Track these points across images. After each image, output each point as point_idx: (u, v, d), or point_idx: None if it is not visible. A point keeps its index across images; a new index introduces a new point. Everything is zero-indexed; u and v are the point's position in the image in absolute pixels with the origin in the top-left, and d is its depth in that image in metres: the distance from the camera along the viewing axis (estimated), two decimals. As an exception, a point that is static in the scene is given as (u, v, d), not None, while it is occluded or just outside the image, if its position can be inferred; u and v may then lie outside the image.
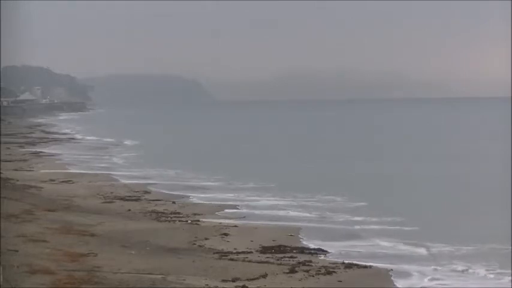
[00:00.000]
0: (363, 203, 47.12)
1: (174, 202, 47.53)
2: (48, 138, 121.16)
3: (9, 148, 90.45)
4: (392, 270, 29.46)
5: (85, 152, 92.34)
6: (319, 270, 28.46)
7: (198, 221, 40.44)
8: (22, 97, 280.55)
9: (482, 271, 29.49)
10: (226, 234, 36.29)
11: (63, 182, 57.57)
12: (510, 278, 28.59)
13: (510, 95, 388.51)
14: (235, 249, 32.68)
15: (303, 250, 32.96)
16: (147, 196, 50.55)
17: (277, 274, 27.70)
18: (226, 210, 44.83)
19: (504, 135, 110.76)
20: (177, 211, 43.70)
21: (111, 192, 51.69)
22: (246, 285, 25.77)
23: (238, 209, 45.75)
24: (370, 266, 29.94)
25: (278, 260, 30.64)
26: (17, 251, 27.64)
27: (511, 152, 77.94)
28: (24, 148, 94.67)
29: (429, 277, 28.68)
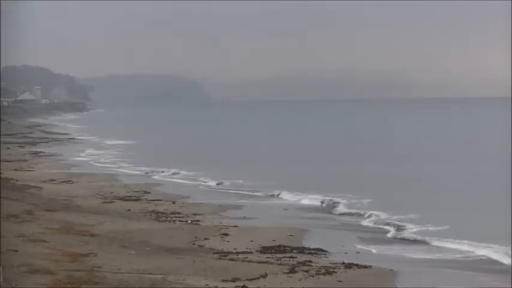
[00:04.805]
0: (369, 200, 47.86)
1: (174, 202, 47.50)
2: (48, 138, 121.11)
3: (9, 148, 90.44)
4: (392, 270, 29.44)
5: (85, 152, 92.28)
6: (319, 270, 28.41)
7: (198, 221, 40.42)
8: (22, 97, 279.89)
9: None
10: (226, 234, 36.24)
11: (63, 182, 57.54)
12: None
13: (510, 95, 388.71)
14: (235, 249, 32.65)
15: (303, 250, 32.94)
16: (147, 196, 50.52)
17: (277, 274, 27.66)
18: (228, 211, 44.80)
19: (504, 135, 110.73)
20: (177, 211, 43.69)
21: (111, 192, 51.65)
22: (246, 285, 25.75)
23: (241, 209, 45.73)
24: (370, 266, 29.90)
25: (278, 260, 30.63)
26: (17, 251, 27.62)
27: (511, 152, 77.89)
28: (24, 148, 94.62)
29: None
